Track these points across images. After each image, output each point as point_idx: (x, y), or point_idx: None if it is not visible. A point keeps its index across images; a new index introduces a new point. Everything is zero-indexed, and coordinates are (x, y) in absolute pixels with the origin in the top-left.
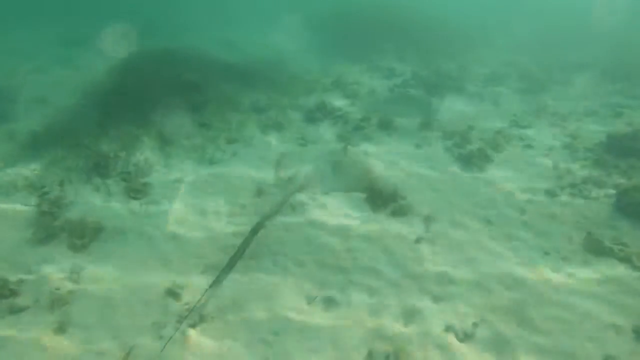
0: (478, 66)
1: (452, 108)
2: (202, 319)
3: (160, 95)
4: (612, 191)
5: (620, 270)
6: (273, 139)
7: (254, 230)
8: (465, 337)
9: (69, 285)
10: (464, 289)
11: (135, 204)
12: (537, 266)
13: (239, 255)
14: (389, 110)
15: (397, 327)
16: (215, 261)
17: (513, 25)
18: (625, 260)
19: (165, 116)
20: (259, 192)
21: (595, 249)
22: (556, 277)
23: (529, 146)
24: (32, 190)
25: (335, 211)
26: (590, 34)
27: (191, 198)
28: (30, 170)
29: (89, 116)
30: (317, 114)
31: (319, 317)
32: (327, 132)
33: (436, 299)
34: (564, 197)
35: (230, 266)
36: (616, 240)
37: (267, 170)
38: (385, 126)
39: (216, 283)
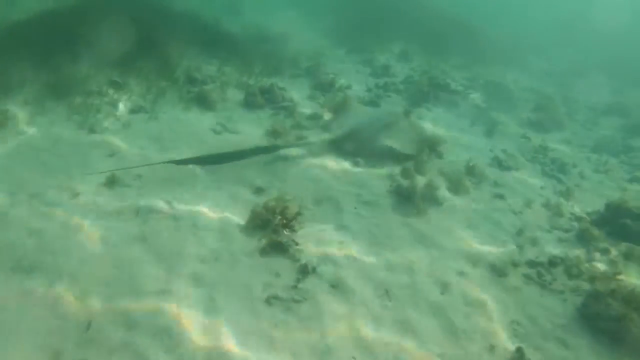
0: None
1: (426, 124)
2: None
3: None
4: (586, 286)
5: None
6: (193, 115)
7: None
8: None
9: None
10: None
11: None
12: None
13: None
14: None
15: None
16: None
17: (556, 50)
18: None
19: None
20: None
21: None
22: None
23: (500, 196)
24: None
25: None
26: None
27: None
28: None
29: None
30: (259, 99)
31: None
32: (262, 120)
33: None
34: (513, 280)
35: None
36: None
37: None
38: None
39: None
